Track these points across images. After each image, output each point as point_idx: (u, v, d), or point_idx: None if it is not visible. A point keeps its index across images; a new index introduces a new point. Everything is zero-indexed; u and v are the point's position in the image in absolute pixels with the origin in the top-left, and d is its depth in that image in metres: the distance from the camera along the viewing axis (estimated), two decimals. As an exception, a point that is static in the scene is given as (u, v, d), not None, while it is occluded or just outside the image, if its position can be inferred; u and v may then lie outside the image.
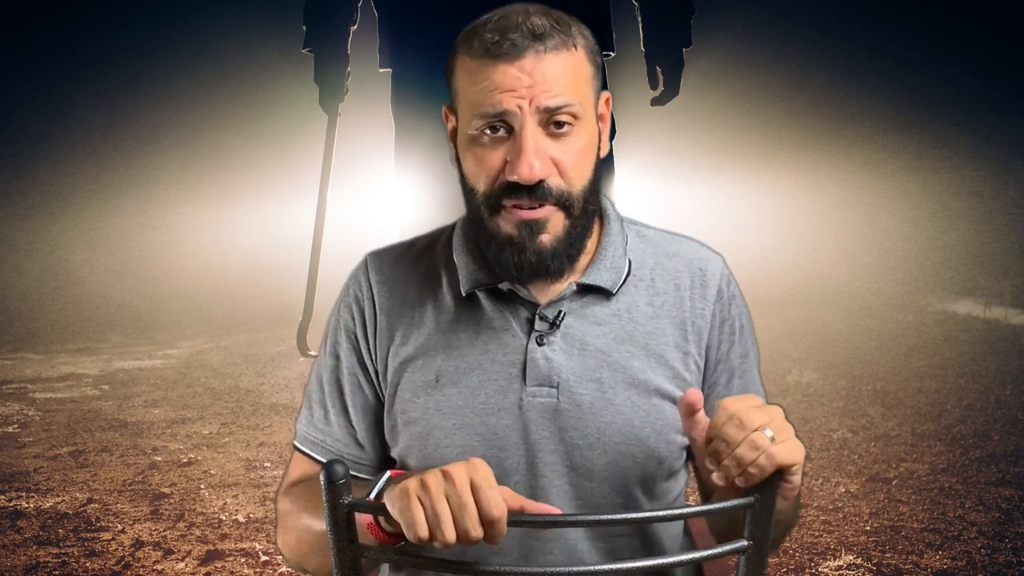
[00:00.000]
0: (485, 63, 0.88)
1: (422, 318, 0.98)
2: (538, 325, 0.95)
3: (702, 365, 0.98)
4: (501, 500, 0.73)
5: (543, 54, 0.87)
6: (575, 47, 0.90)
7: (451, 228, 1.03)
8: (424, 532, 0.72)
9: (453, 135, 0.96)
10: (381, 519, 0.80)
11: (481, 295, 0.96)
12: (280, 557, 2.39)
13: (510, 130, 0.88)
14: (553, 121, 0.88)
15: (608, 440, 0.92)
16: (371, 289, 1.01)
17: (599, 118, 0.95)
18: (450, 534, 0.71)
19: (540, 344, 0.94)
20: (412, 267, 1.01)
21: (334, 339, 1.02)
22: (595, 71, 0.93)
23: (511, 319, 0.96)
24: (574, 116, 0.89)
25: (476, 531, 0.71)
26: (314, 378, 1.03)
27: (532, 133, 0.87)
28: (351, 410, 1.00)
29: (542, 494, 0.93)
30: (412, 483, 0.73)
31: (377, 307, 1.00)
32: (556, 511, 0.80)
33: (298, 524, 0.95)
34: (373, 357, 0.99)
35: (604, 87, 0.96)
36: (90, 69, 8.53)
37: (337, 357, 1.01)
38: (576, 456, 0.92)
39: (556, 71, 0.88)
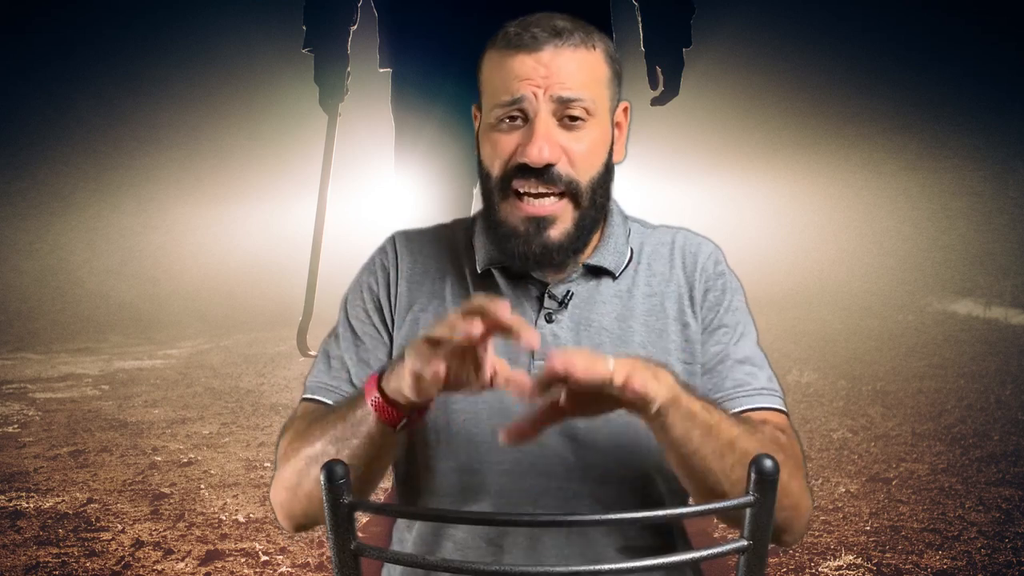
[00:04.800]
0: (507, 53, 0.95)
1: (442, 290, 1.04)
2: (547, 303, 1.01)
3: (701, 329, 1.02)
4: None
5: (561, 48, 0.94)
6: (594, 47, 0.96)
7: (473, 217, 1.09)
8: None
9: (479, 133, 1.02)
10: (388, 393, 0.86)
11: (496, 273, 1.03)
12: (280, 557, 2.40)
13: (526, 119, 0.94)
14: (567, 114, 0.94)
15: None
16: (396, 257, 1.07)
17: (615, 125, 1.00)
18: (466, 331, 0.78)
19: (549, 321, 1.00)
20: (434, 245, 1.08)
21: (356, 297, 1.06)
22: (613, 75, 0.99)
23: (522, 297, 1.02)
24: (587, 111, 0.94)
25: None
26: (331, 338, 1.06)
27: (545, 120, 0.93)
28: (370, 362, 1.03)
29: (543, 461, 0.96)
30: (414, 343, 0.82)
31: (400, 273, 1.06)
32: (535, 336, 0.80)
33: (297, 454, 0.94)
34: (391, 317, 1.04)
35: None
36: (90, 69, 8.54)
37: (357, 313, 1.05)
38: (579, 426, 0.96)
39: (572, 66, 0.94)
